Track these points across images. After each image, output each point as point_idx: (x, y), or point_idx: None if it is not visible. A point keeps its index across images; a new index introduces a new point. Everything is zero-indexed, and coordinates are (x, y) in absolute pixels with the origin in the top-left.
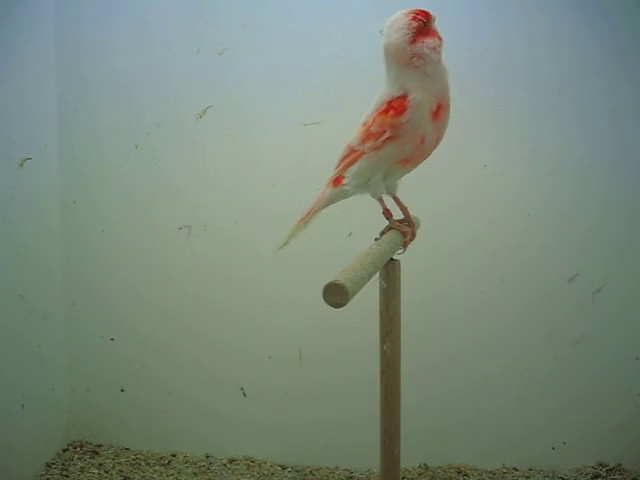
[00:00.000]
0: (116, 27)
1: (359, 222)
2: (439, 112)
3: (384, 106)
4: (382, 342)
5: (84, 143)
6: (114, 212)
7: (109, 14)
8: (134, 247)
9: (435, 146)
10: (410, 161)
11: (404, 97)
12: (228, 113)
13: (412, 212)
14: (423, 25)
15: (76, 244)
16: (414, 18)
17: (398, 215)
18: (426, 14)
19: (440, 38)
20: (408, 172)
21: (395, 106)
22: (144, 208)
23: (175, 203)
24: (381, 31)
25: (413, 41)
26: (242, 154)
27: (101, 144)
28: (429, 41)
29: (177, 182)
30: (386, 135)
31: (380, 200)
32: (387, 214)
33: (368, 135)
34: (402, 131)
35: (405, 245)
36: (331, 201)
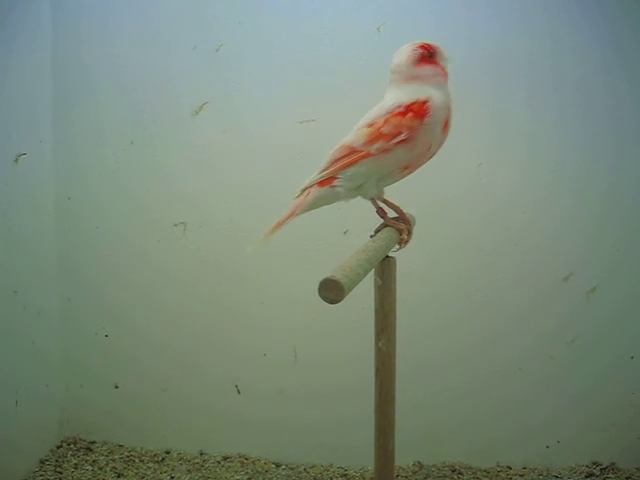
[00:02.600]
0: (113, 23)
1: (355, 220)
2: (445, 128)
3: (401, 109)
4: (377, 339)
5: (79, 139)
6: (109, 208)
7: (106, 10)
8: (129, 243)
9: (431, 157)
10: (409, 167)
11: (425, 102)
12: (224, 110)
13: (407, 210)
14: (427, 54)
15: (71, 240)
16: (420, 46)
17: (392, 214)
18: (429, 46)
19: (443, 69)
20: (399, 180)
21: (415, 109)
22: (139, 204)
23: (171, 199)
24: (378, 29)
25: (417, 64)
26: (238, 151)
27: (97, 140)
28: (430, 67)
29: (173, 178)
30: (401, 137)
31: (372, 200)
32: (381, 213)
33: (378, 136)
34: (418, 134)
35: (401, 243)
36: (317, 204)
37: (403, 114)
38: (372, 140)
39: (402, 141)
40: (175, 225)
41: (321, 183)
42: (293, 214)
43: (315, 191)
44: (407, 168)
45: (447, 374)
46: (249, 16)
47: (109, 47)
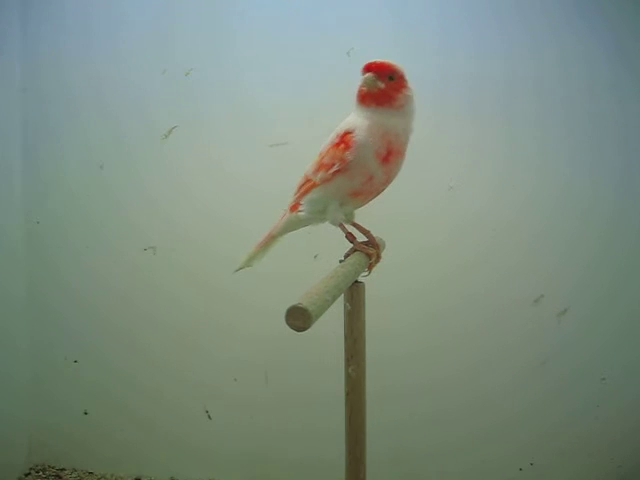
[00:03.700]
0: (81, 47)
1: (325, 244)
2: (389, 157)
3: (337, 139)
4: (347, 365)
5: (48, 162)
6: (78, 233)
7: (74, 35)
8: (98, 269)
9: (386, 185)
10: (360, 194)
11: (350, 133)
12: (194, 134)
13: (375, 231)
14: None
15: (39, 265)
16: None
17: (362, 238)
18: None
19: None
20: (363, 204)
21: (346, 140)
22: (108, 229)
23: (140, 224)
24: (348, 53)
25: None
26: (208, 175)
27: (66, 164)
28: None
29: (142, 202)
30: (335, 168)
31: (341, 226)
32: (350, 237)
33: (320, 166)
34: (349, 165)
35: (370, 267)
36: (288, 227)
37: (337, 145)
38: (317, 170)
39: (338, 171)
40: (144, 250)
41: (291, 208)
42: (270, 235)
43: (288, 215)
44: (358, 195)
45: (417, 400)
46: (219, 40)
47: (77, 72)
